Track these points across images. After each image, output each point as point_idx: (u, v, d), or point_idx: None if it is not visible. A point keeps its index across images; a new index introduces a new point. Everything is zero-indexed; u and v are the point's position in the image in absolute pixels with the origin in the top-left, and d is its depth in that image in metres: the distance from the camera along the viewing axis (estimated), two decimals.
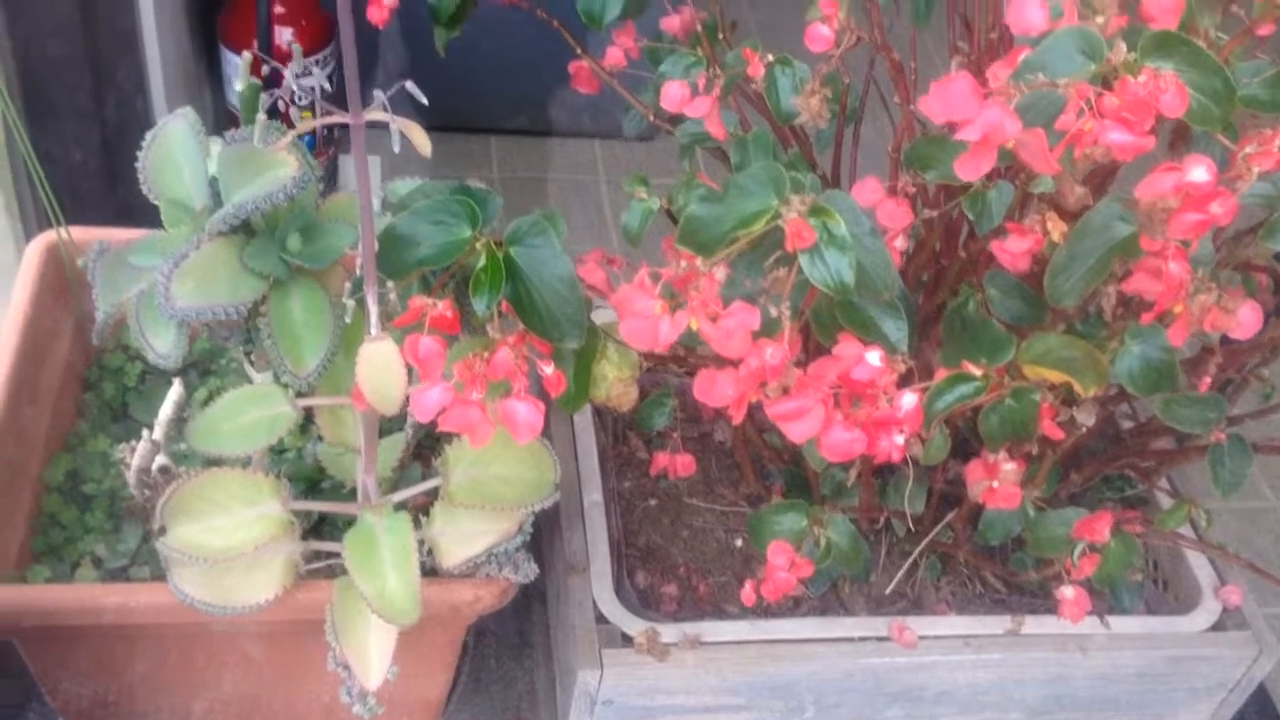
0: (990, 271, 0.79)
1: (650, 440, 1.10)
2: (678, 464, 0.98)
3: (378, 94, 0.58)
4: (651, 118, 1.00)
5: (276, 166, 0.66)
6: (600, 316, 0.80)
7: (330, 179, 1.62)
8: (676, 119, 0.94)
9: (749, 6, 2.08)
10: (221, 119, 1.57)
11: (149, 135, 0.73)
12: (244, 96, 0.70)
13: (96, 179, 1.54)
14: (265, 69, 0.80)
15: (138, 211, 1.52)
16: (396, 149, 0.59)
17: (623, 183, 1.00)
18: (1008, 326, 0.76)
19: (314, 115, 1.45)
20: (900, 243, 0.78)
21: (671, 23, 1.02)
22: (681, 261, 0.64)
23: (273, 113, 0.73)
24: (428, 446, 0.93)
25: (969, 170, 0.55)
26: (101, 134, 1.50)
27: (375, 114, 0.58)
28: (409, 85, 0.58)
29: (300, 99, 1.40)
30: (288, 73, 0.58)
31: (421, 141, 0.59)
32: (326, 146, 1.57)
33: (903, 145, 0.81)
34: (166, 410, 0.87)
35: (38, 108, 1.41)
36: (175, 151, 0.72)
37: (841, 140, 0.95)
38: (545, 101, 1.78)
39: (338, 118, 0.58)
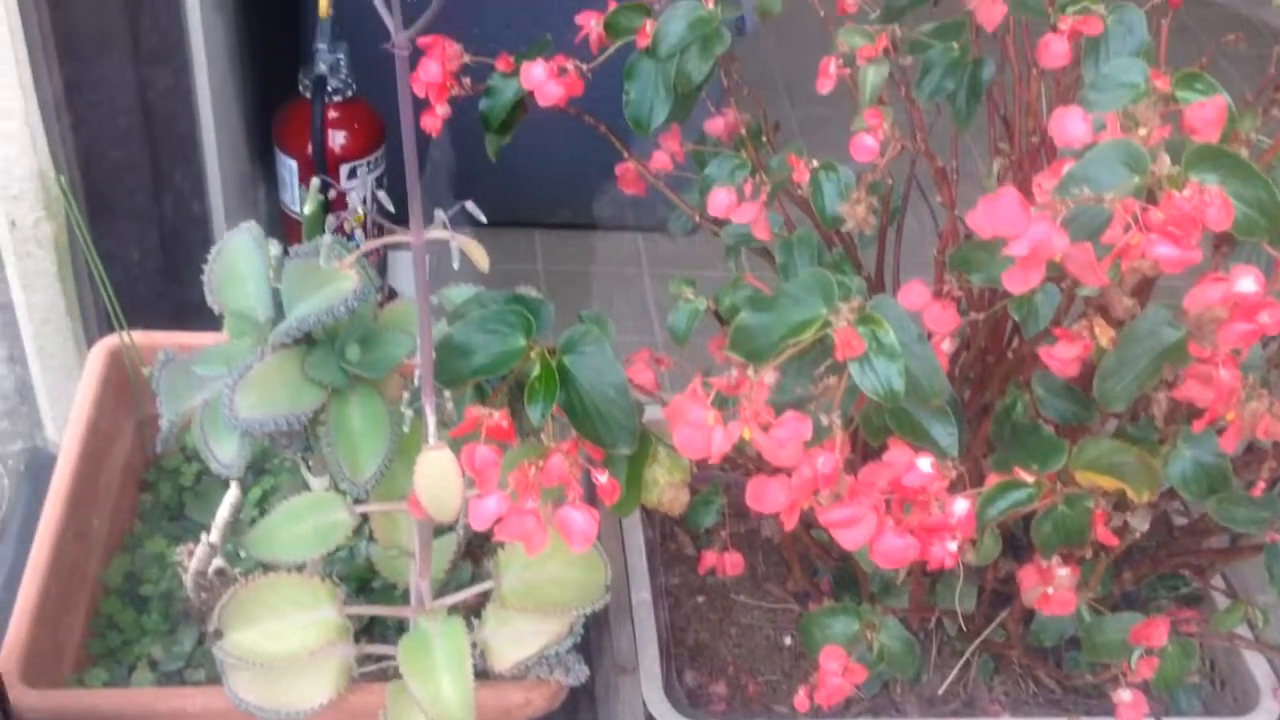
0: (1038, 372, 0.79)
1: (698, 536, 1.10)
2: (726, 563, 0.98)
3: (438, 213, 0.60)
4: (697, 219, 1.02)
5: (338, 280, 0.68)
6: (648, 413, 0.81)
7: (380, 270, 1.66)
8: (722, 219, 0.96)
9: (790, 104, 2.11)
10: (276, 219, 1.61)
11: (214, 249, 0.76)
12: (309, 219, 0.72)
13: (154, 277, 1.57)
14: (319, 178, 0.82)
15: (192, 309, 1.56)
16: (456, 265, 0.60)
17: (669, 283, 1.02)
18: (1056, 428, 0.76)
19: (365, 217, 1.49)
20: (947, 345, 0.78)
21: (715, 125, 1.04)
22: (732, 370, 0.65)
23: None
24: (477, 544, 0.94)
25: (1018, 283, 0.56)
26: (159, 234, 1.54)
27: (436, 232, 0.60)
28: (469, 205, 0.60)
29: (354, 214, 1.43)
30: (351, 198, 0.60)
31: (480, 258, 0.61)
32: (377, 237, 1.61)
33: (947, 248, 0.82)
34: (223, 513, 0.88)
35: (98, 208, 1.46)
36: (239, 264, 0.74)
37: (885, 238, 0.96)
38: (589, 196, 1.82)
39: (399, 237, 0.60)
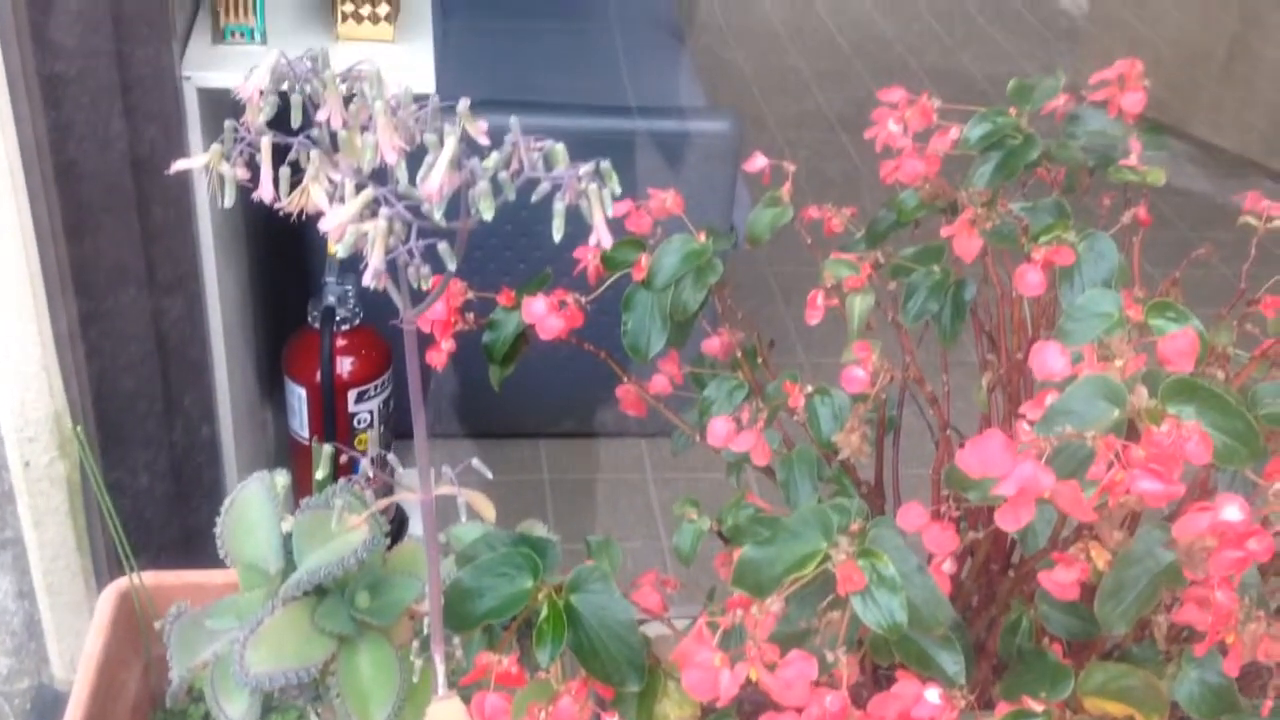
0: (1041, 589, 0.80)
1: None
2: None
3: (446, 470, 0.62)
4: (697, 439, 1.04)
5: (348, 531, 0.70)
6: (653, 630, 0.81)
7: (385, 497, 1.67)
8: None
9: (784, 305, 2.17)
10: (284, 445, 1.63)
11: (227, 500, 0.77)
12: (318, 484, 0.74)
13: (162, 504, 1.59)
14: (330, 446, 0.84)
15: (199, 535, 1.56)
16: (464, 520, 0.62)
17: (674, 503, 1.03)
18: (1063, 647, 0.76)
19: (373, 438, 1.51)
20: (948, 566, 0.79)
21: (712, 345, 1.08)
22: (738, 611, 0.65)
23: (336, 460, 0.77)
24: None
25: (1010, 521, 0.57)
26: (169, 459, 1.56)
27: (444, 489, 0.61)
28: (475, 463, 0.62)
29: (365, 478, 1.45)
30: (364, 461, 0.63)
31: (487, 512, 0.62)
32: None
33: (942, 467, 0.84)
34: None
35: (109, 436, 1.48)
36: (251, 515, 0.76)
37: (882, 447, 0.98)
38: (591, 406, 1.85)
39: (408, 495, 0.61)
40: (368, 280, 0.50)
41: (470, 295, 0.98)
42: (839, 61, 3.36)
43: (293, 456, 1.58)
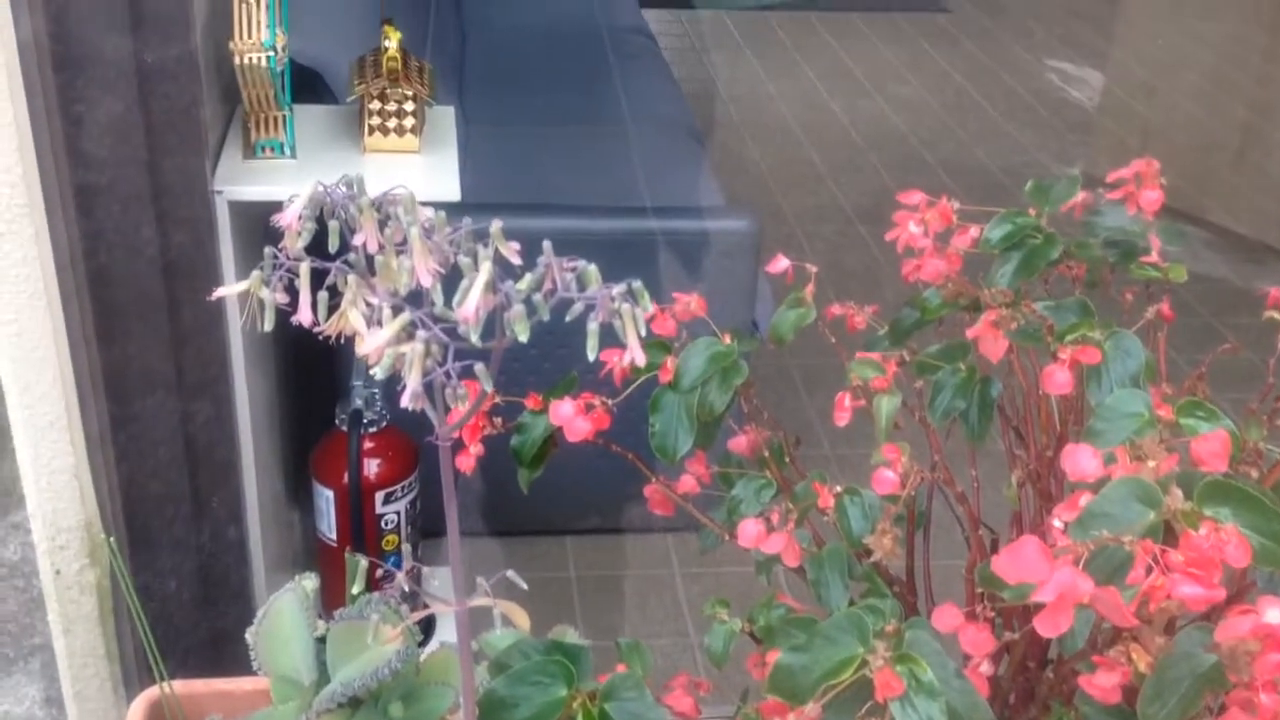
0: (1082, 690, 0.79)
1: None
2: None
3: (480, 580, 0.62)
4: (726, 538, 1.04)
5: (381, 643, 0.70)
6: None
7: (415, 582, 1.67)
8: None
9: (807, 396, 2.18)
10: (311, 547, 1.63)
11: (261, 611, 0.78)
12: (352, 598, 0.74)
13: (189, 607, 1.58)
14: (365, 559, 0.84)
15: (226, 638, 1.55)
16: (499, 630, 0.62)
17: (704, 606, 1.03)
18: None
19: (400, 538, 1.51)
20: (985, 668, 0.79)
21: (739, 443, 1.08)
22: (776, 719, 0.65)
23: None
24: None
25: (1049, 628, 0.57)
26: (196, 562, 1.56)
27: (479, 601, 0.62)
28: (510, 574, 0.63)
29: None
30: (400, 575, 0.63)
31: (521, 621, 0.62)
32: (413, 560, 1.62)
33: (975, 566, 0.84)
34: None
35: (137, 540, 1.48)
36: (285, 627, 0.76)
37: (914, 542, 0.98)
38: (617, 502, 1.85)
39: (442, 607, 0.62)
40: (405, 402, 0.51)
41: (498, 399, 0.99)
42: (854, 155, 3.41)
43: (320, 558, 1.58)
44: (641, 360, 0.51)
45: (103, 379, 1.31)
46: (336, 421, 1.48)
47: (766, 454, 1.02)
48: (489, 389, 0.51)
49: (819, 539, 0.98)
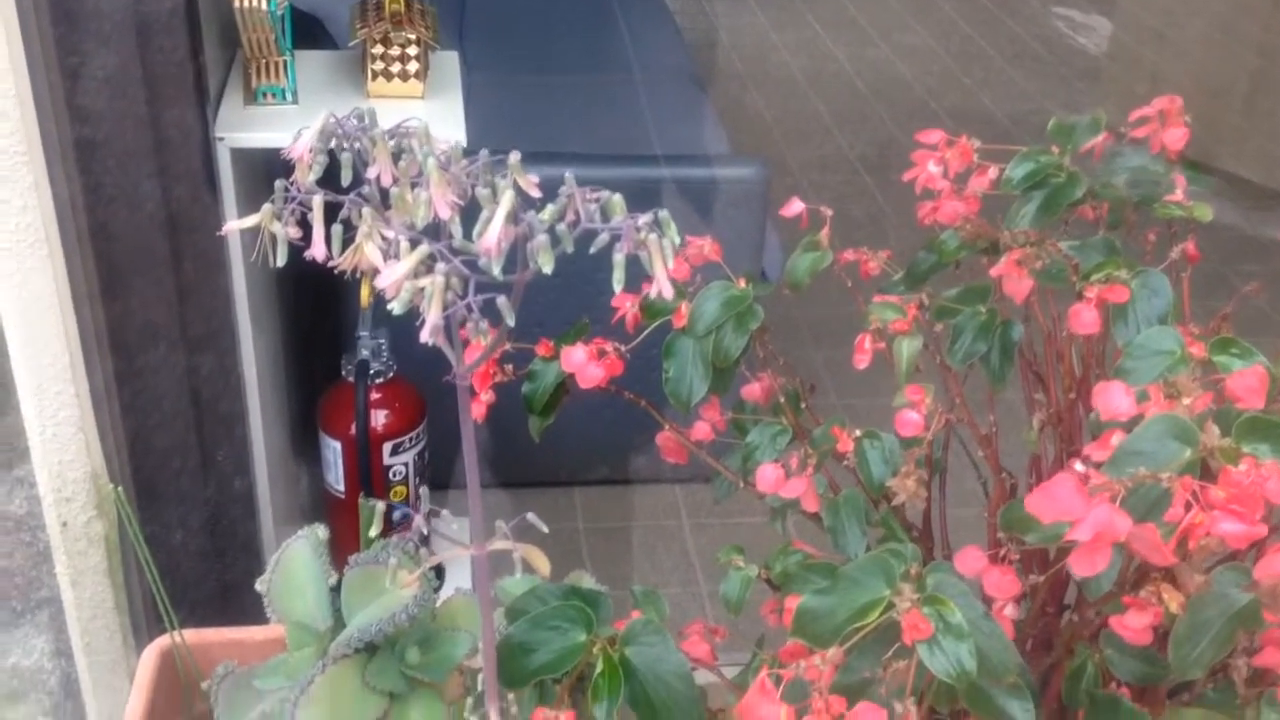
0: (1107, 632, 0.78)
1: None
2: None
3: (499, 524, 0.61)
4: (740, 484, 1.03)
5: (398, 588, 0.69)
6: (701, 679, 0.79)
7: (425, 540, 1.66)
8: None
9: (814, 347, 2.16)
10: (318, 498, 1.62)
11: (273, 558, 0.76)
12: (367, 541, 0.73)
13: (197, 559, 1.58)
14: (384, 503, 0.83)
15: (235, 590, 1.55)
16: (519, 574, 0.61)
17: (717, 551, 1.02)
18: (1136, 691, 0.74)
19: (408, 489, 1.50)
20: (1010, 611, 0.78)
21: (753, 390, 1.06)
22: (800, 662, 0.64)
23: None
24: None
25: (1085, 568, 0.56)
26: (204, 515, 1.55)
27: (498, 544, 0.60)
28: (530, 517, 0.61)
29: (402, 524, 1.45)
30: (418, 519, 0.61)
31: (541, 565, 0.61)
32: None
33: (998, 509, 0.82)
34: None
35: (143, 493, 1.48)
36: (299, 574, 0.75)
37: (930, 491, 0.96)
38: (625, 453, 1.84)
39: (462, 551, 0.60)
40: (425, 336, 0.50)
41: (508, 346, 0.98)
42: (859, 105, 3.37)
43: (328, 510, 1.57)
44: (669, 293, 0.50)
45: (106, 333, 1.29)
46: (343, 372, 1.46)
47: (782, 400, 1.01)
48: (511, 322, 0.49)
49: (835, 486, 0.97)
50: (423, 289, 0.49)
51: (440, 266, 0.50)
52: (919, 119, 3.25)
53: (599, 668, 0.70)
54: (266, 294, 1.53)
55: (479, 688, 0.70)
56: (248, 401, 1.50)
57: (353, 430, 1.43)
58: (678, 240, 0.50)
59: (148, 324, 1.33)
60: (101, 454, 1.29)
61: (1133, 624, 0.66)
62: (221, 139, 1.26)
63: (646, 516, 1.86)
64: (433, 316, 0.49)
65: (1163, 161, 0.98)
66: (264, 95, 1.29)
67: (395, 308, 0.50)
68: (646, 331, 0.98)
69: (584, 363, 0.95)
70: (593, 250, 0.50)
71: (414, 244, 0.51)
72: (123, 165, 1.21)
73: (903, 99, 3.40)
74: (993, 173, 0.99)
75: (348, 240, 0.53)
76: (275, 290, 1.58)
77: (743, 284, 0.95)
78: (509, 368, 0.98)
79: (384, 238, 0.52)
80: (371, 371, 1.44)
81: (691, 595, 1.76)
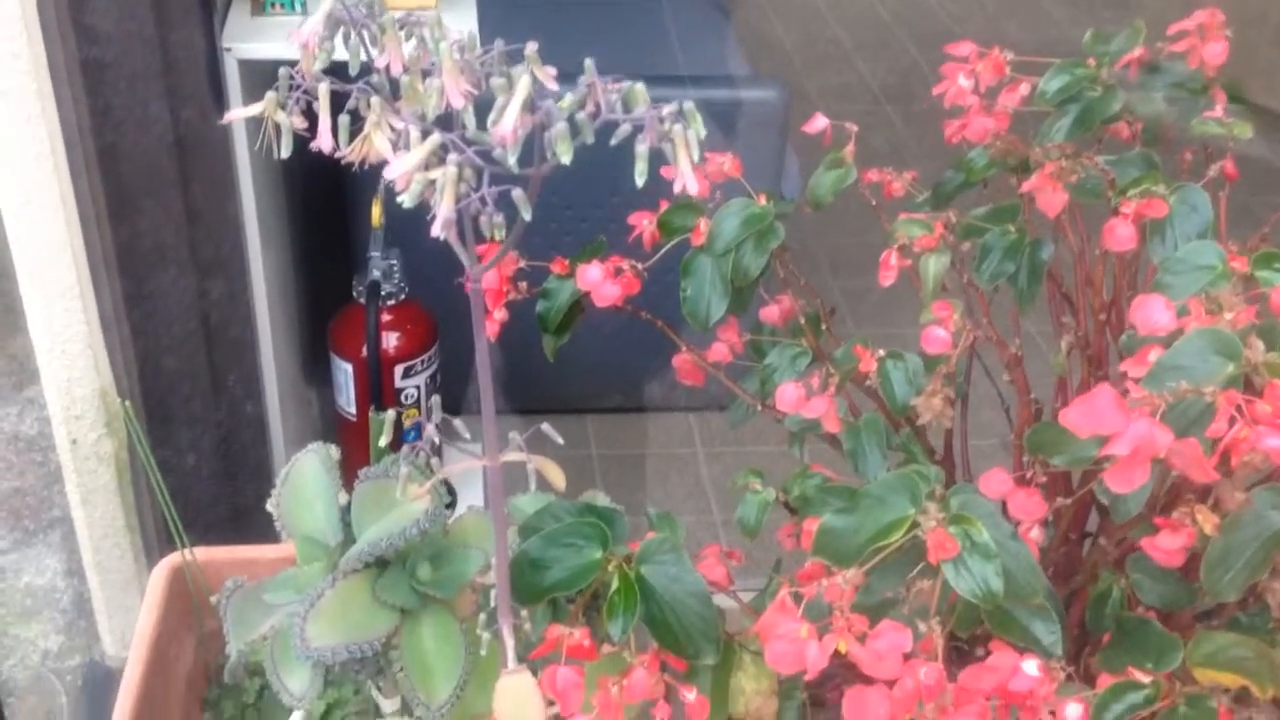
0: (1134, 556, 0.76)
1: None
2: None
3: (513, 435, 0.59)
4: (759, 407, 1.01)
5: (409, 502, 0.67)
6: (718, 602, 0.77)
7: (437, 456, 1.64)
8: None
9: (831, 276, 2.13)
10: (330, 421, 1.61)
11: (282, 473, 0.75)
12: (377, 451, 0.71)
13: (209, 482, 1.58)
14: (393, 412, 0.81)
15: (246, 513, 1.55)
16: (533, 488, 0.59)
17: (732, 474, 1.00)
18: (1162, 616, 0.72)
19: (420, 413, 1.49)
20: (1036, 534, 0.76)
21: (770, 313, 1.04)
22: (822, 581, 0.62)
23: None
24: None
25: (1122, 484, 0.54)
26: (215, 438, 1.55)
27: (512, 455, 0.59)
28: (545, 427, 0.59)
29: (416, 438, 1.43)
30: (430, 427, 0.60)
31: (557, 479, 0.59)
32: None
33: (1024, 432, 0.80)
34: None
35: (154, 416, 1.47)
36: (308, 488, 0.73)
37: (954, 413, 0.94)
38: (639, 379, 1.82)
39: (473, 462, 0.59)
40: (437, 230, 0.47)
41: (522, 264, 0.95)
42: (880, 32, 3.30)
43: (339, 433, 1.56)
44: (694, 188, 0.47)
45: (115, 256, 1.28)
46: (354, 294, 1.44)
47: (802, 322, 0.98)
48: (528, 216, 0.47)
49: (855, 410, 0.95)
50: (434, 181, 0.47)
51: (453, 157, 0.47)
52: (942, 47, 3.18)
53: (614, 585, 0.68)
54: (276, 217, 1.51)
55: (491, 604, 0.68)
56: (258, 325, 1.48)
57: (364, 352, 1.41)
58: (703, 132, 0.47)
59: (157, 246, 1.31)
60: (110, 373, 1.27)
61: (1166, 545, 0.64)
62: (229, 49, 1.23)
63: (660, 444, 1.84)
64: (445, 210, 0.46)
65: (1202, 77, 0.95)
66: (272, 5, 1.26)
67: (405, 200, 0.47)
68: (664, 250, 0.95)
69: (600, 280, 0.92)
70: (614, 142, 0.48)
71: (425, 135, 0.48)
72: (131, 87, 1.19)
73: (925, 26, 3.33)
74: (1024, 89, 0.95)
75: (356, 132, 0.51)
76: (285, 213, 1.56)
77: (763, 201, 0.92)
78: (523, 285, 0.96)
79: (393, 128, 0.49)
80: (383, 293, 1.41)
81: (705, 524, 1.75)
